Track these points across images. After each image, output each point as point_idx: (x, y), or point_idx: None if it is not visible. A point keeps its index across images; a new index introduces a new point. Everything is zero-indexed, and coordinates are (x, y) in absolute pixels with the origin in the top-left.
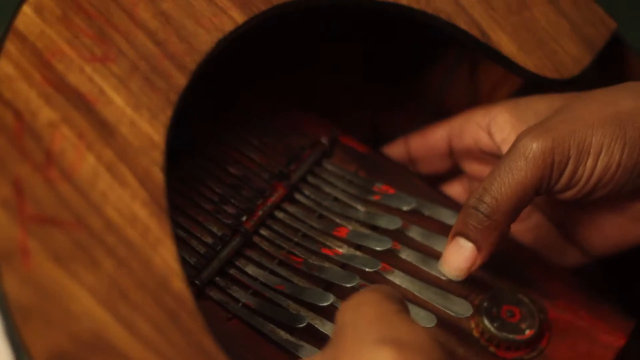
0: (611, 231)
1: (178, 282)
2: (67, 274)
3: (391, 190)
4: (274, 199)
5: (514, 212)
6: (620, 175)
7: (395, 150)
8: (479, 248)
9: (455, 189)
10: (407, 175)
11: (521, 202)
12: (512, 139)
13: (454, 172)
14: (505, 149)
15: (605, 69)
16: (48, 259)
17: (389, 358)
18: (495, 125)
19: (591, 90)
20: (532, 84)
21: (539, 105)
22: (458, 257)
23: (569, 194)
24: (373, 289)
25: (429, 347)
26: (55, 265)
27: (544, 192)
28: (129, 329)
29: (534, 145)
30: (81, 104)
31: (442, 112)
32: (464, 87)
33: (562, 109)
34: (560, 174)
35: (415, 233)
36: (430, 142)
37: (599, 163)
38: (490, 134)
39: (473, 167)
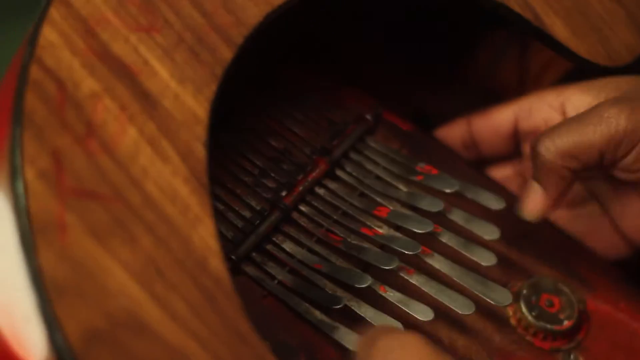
0: None
1: (216, 263)
2: (104, 250)
3: (434, 171)
4: (314, 174)
5: (575, 162)
6: None
7: (457, 130)
8: (545, 190)
9: (505, 171)
10: (450, 156)
11: (583, 157)
12: None
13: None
14: None
15: None
16: (85, 234)
17: None
18: (570, 105)
19: None
20: (580, 69)
21: (620, 83)
22: (528, 198)
23: None
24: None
25: None
26: (92, 240)
27: (610, 161)
28: (164, 308)
29: (611, 108)
30: (125, 74)
31: (488, 93)
32: (512, 69)
33: None
34: (633, 145)
35: (457, 216)
36: (496, 122)
37: None
38: (564, 115)
39: None
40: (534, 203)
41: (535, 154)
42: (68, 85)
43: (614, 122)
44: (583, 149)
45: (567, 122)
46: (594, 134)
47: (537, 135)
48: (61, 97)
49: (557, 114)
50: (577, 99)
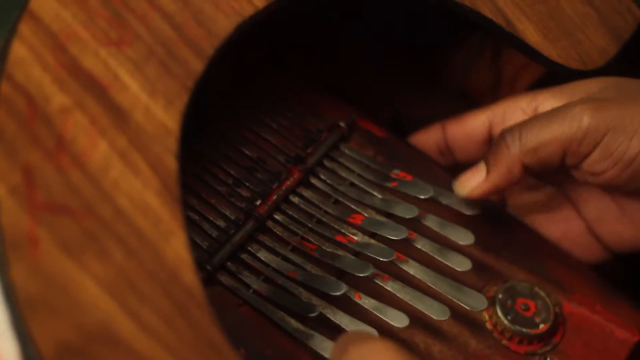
0: None
1: (189, 274)
2: (75, 264)
3: (409, 177)
4: (289, 183)
5: (533, 156)
6: None
7: (431, 136)
8: (487, 171)
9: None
10: (426, 162)
11: (545, 150)
12: None
13: None
14: None
15: (631, 61)
16: (57, 248)
17: None
18: (543, 110)
19: None
20: (555, 72)
21: (591, 84)
22: (470, 174)
23: (608, 174)
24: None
25: None
26: (64, 254)
27: (574, 159)
28: (137, 321)
29: (578, 107)
30: (95, 89)
31: (463, 97)
32: (486, 72)
33: (615, 88)
34: (596, 143)
35: (431, 222)
36: (469, 128)
37: None
38: None
39: None
40: (471, 180)
41: (499, 141)
42: (38, 100)
43: (577, 118)
44: (545, 144)
45: (536, 118)
46: (556, 130)
47: (510, 126)
48: (31, 112)
49: None
50: (549, 104)
